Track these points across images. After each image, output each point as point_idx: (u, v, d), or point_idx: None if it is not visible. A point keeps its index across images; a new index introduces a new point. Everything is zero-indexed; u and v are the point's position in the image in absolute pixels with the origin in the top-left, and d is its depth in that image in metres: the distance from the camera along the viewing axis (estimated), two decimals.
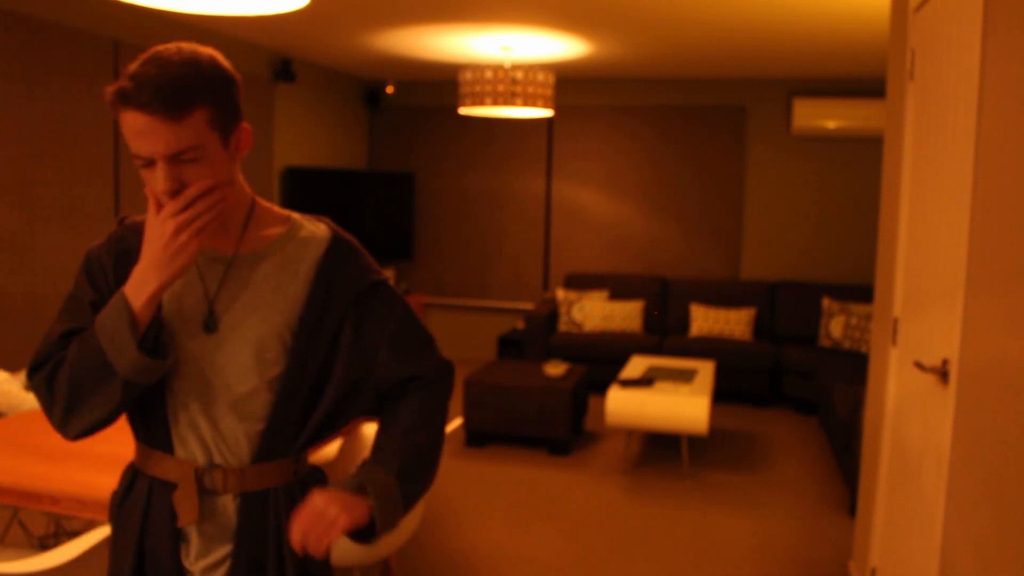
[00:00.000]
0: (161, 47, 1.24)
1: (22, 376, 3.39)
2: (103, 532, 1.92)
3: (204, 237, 1.27)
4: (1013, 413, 1.78)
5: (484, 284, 7.79)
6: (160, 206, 1.26)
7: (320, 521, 1.29)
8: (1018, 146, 1.83)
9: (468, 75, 5.36)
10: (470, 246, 7.80)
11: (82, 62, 4.52)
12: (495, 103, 5.25)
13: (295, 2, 2.47)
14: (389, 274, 7.66)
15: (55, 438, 2.51)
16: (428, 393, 1.50)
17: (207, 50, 1.27)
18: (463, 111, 5.51)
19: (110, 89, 1.21)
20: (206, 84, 1.22)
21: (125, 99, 1.19)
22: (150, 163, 1.22)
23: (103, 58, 4.66)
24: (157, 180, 1.22)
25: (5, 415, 3.03)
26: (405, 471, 1.42)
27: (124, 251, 1.37)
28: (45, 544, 3.16)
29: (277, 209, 1.46)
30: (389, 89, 7.74)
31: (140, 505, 1.39)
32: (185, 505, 1.35)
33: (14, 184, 4.18)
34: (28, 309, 4.28)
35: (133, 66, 1.21)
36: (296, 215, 1.46)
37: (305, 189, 6.65)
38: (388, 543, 2.73)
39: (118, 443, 2.49)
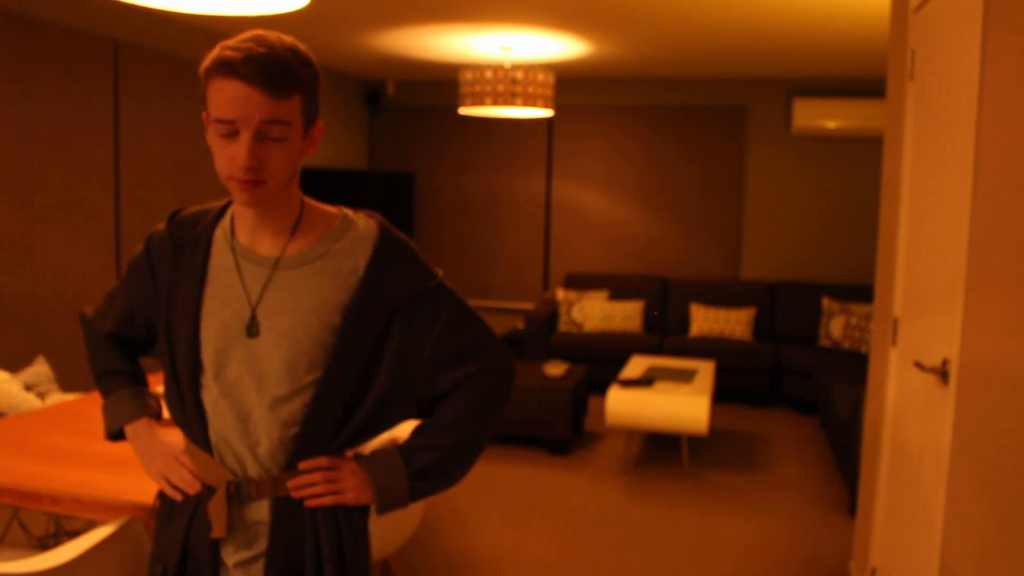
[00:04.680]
0: (260, 31, 1.28)
1: (22, 376, 3.39)
2: (103, 532, 1.92)
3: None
4: (1013, 413, 1.78)
5: (484, 284, 7.79)
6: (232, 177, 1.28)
7: (330, 484, 1.38)
8: (1018, 146, 1.84)
9: (468, 75, 5.36)
10: (470, 246, 7.80)
11: (82, 62, 4.52)
12: (495, 103, 5.25)
13: (295, 2, 2.47)
14: None
15: (55, 438, 2.52)
16: (471, 391, 1.45)
17: (302, 45, 1.32)
18: (463, 111, 5.51)
19: (210, 56, 1.25)
20: (306, 73, 1.28)
21: (230, 69, 1.21)
22: (232, 133, 1.24)
23: (103, 58, 4.66)
24: (239, 153, 1.24)
25: (5, 415, 3.03)
26: (421, 471, 1.43)
27: (179, 246, 1.43)
28: (45, 544, 3.16)
29: (325, 207, 1.44)
30: (390, 90, 7.74)
31: (191, 501, 1.43)
32: (217, 517, 1.37)
33: (14, 184, 4.18)
34: (28, 309, 4.28)
35: (233, 41, 1.25)
36: (349, 212, 1.45)
37: (305, 189, 6.58)
38: (387, 542, 2.73)
39: (118, 442, 2.48)
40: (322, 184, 6.85)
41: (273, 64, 1.23)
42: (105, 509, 2.05)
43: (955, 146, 2.28)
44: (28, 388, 3.34)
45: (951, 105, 2.35)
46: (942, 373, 2.27)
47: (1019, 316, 1.77)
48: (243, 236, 1.39)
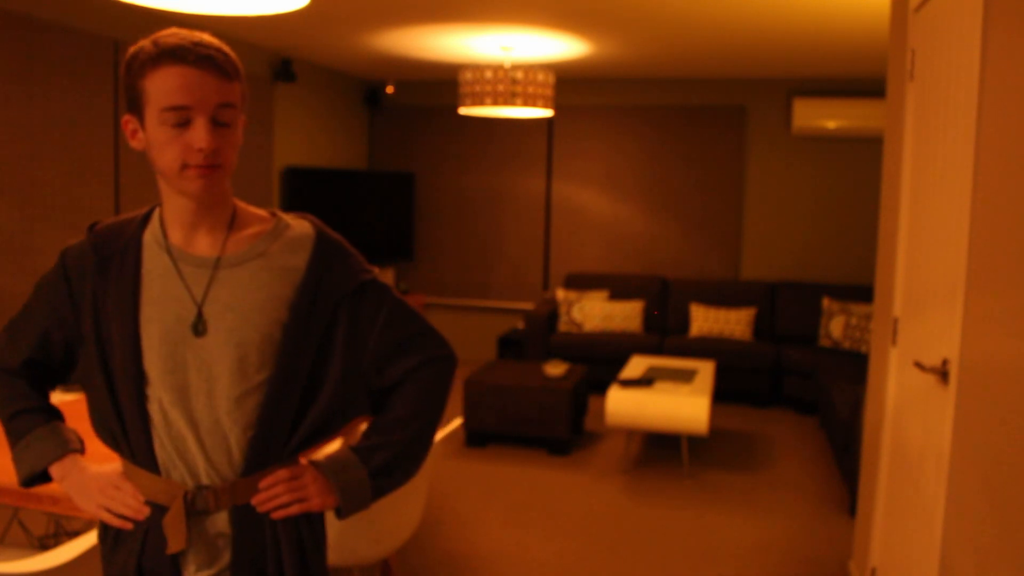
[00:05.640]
0: (174, 28, 1.31)
1: None
2: None
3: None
4: (1013, 413, 1.78)
5: (484, 284, 7.79)
6: (184, 166, 1.27)
7: (294, 492, 1.36)
8: (1018, 146, 1.84)
9: (468, 75, 5.36)
10: (470, 246, 7.80)
11: (82, 62, 4.52)
12: (495, 103, 5.25)
13: (295, 2, 2.47)
14: (389, 274, 7.67)
15: None
16: (420, 383, 1.46)
17: None
18: (463, 111, 5.51)
19: (141, 53, 1.26)
20: (239, 63, 1.32)
21: (178, 57, 1.24)
22: (184, 121, 1.24)
23: (103, 58, 4.66)
24: (198, 136, 1.24)
25: None
26: (381, 467, 1.42)
27: (105, 257, 1.37)
28: (45, 544, 3.16)
29: (255, 209, 1.44)
30: (389, 89, 7.75)
31: (141, 526, 1.36)
32: (174, 531, 1.32)
33: (14, 184, 4.18)
34: None
35: (162, 35, 1.27)
36: (280, 213, 1.44)
37: (305, 189, 6.65)
38: (387, 542, 2.73)
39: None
40: (322, 184, 6.85)
41: (217, 49, 1.27)
42: None
43: (955, 146, 2.29)
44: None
45: (951, 105, 2.35)
46: (942, 373, 2.27)
47: (1019, 316, 1.78)
48: (176, 238, 1.36)
